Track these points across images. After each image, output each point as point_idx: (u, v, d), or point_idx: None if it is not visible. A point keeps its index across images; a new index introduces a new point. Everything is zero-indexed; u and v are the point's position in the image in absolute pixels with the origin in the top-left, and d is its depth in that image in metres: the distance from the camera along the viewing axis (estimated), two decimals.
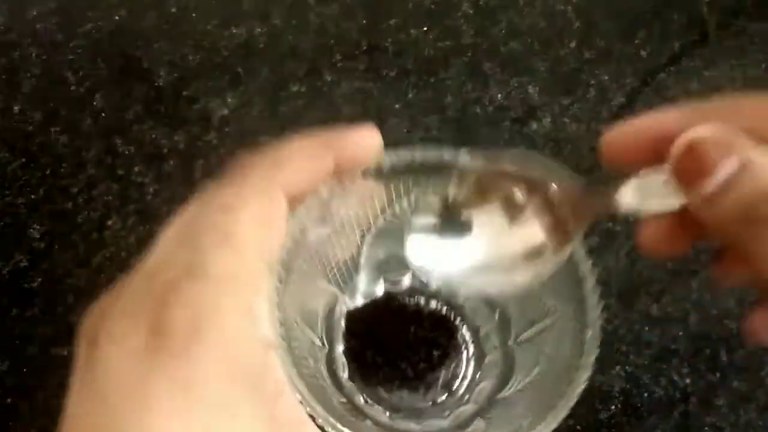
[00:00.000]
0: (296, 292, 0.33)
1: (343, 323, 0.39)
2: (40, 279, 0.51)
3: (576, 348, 0.32)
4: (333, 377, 0.37)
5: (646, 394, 0.48)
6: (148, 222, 0.54)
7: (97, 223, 0.54)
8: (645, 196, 0.28)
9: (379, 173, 0.33)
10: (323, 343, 0.38)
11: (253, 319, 0.22)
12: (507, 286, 0.30)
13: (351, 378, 0.38)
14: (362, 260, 0.39)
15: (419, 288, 0.39)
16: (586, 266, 0.33)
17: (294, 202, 0.27)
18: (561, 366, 0.32)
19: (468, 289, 0.34)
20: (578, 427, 0.47)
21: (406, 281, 0.40)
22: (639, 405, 0.48)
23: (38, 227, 0.53)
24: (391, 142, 0.57)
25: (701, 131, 0.23)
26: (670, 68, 0.61)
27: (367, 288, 0.39)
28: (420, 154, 0.33)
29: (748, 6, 0.64)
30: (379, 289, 0.40)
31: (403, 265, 0.36)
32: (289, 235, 0.30)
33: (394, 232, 0.36)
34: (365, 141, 0.28)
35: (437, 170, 0.33)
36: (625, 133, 0.28)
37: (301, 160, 0.27)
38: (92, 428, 0.22)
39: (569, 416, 0.47)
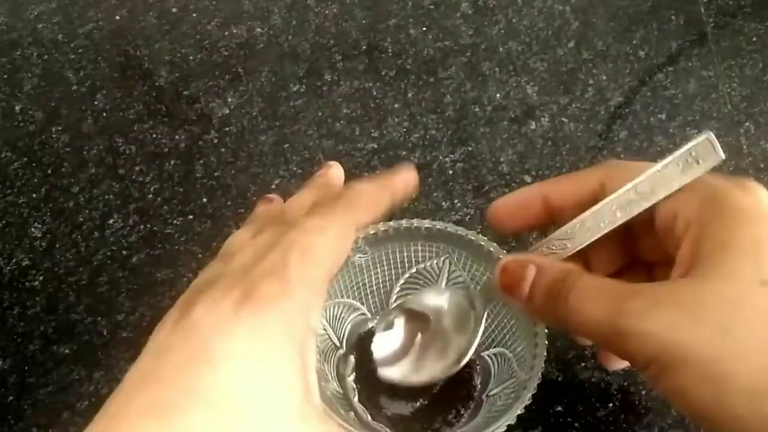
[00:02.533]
0: (331, 298, 0.45)
1: (366, 342, 0.45)
2: (41, 277, 0.52)
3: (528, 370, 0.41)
4: (345, 399, 0.45)
5: (644, 392, 0.48)
6: (149, 221, 0.54)
7: (98, 222, 0.54)
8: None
9: (420, 233, 0.44)
10: (340, 345, 0.46)
11: (308, 313, 0.30)
12: (418, 375, 0.43)
13: (360, 401, 0.45)
14: (393, 296, 0.48)
15: None
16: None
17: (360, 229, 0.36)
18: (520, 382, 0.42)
19: (398, 375, 0.44)
20: (576, 425, 0.47)
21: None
22: (637, 402, 0.48)
23: (40, 226, 0.54)
24: (390, 141, 0.57)
25: (507, 260, 0.36)
26: (668, 68, 0.61)
27: (393, 318, 0.46)
28: (453, 227, 0.44)
29: (746, 6, 0.65)
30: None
31: (425, 306, 0.47)
32: None
33: (422, 281, 0.47)
34: (409, 178, 0.38)
35: (461, 244, 0.44)
36: (507, 204, 0.39)
37: (369, 203, 0.36)
38: (183, 350, 0.28)
39: (567, 414, 0.48)
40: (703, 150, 0.35)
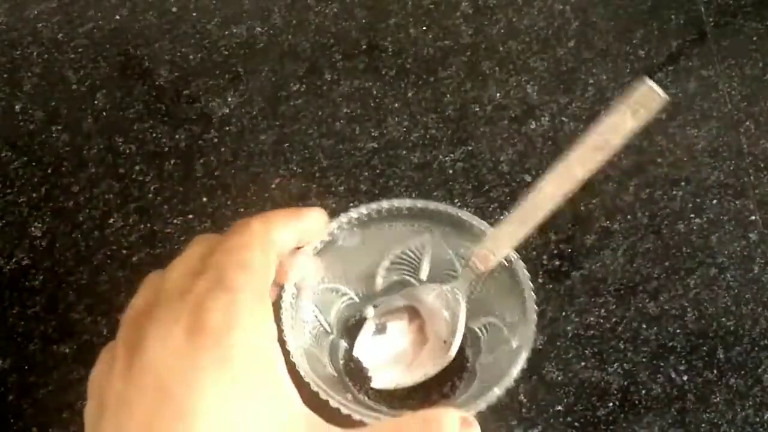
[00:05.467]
0: (318, 283, 0.45)
1: (360, 331, 0.46)
2: (41, 277, 0.52)
3: (515, 351, 0.41)
4: (340, 381, 0.45)
5: (643, 391, 0.48)
6: (149, 220, 0.54)
7: (98, 222, 0.54)
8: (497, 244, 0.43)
9: (402, 213, 0.44)
10: (330, 330, 0.46)
11: (262, 321, 0.30)
12: (412, 377, 0.45)
13: (355, 382, 0.45)
14: (378, 279, 0.48)
15: None
16: (529, 294, 0.42)
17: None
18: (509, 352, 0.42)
19: (393, 382, 0.45)
20: (576, 424, 0.47)
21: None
22: (636, 402, 0.48)
23: (40, 225, 0.54)
24: (390, 140, 0.57)
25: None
26: (668, 67, 0.61)
27: (381, 322, 0.47)
28: (434, 204, 0.44)
29: (746, 6, 0.64)
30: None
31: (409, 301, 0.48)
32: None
33: (406, 261, 0.47)
34: (320, 215, 0.39)
35: (444, 219, 0.45)
36: None
37: (283, 215, 0.36)
38: (145, 404, 0.26)
39: (567, 413, 0.48)
40: (646, 96, 0.38)
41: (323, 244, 0.43)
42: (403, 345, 0.45)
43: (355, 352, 0.45)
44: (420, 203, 0.44)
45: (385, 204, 0.44)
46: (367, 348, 0.45)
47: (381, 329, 0.46)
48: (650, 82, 0.38)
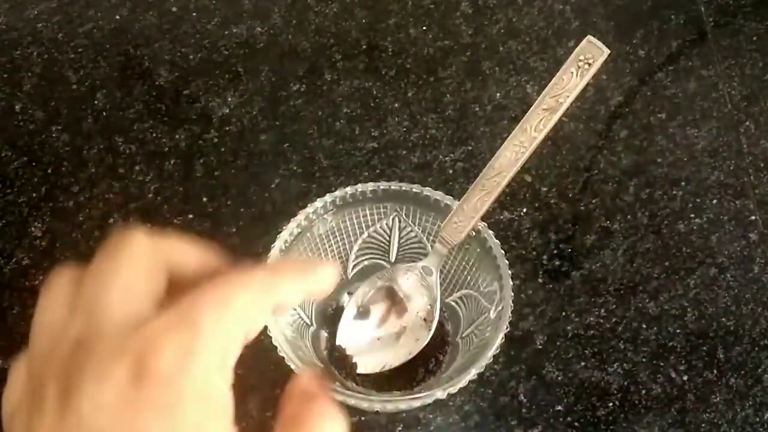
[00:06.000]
0: None
1: (337, 319, 0.47)
2: (41, 277, 0.52)
3: (496, 317, 0.42)
4: (327, 371, 0.45)
5: (643, 391, 0.48)
6: (149, 220, 0.54)
7: (99, 222, 0.54)
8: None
9: (367, 197, 0.45)
10: (310, 322, 0.46)
11: (219, 359, 0.25)
12: (396, 357, 0.45)
13: (341, 370, 0.46)
14: (350, 265, 0.48)
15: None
16: (502, 261, 0.43)
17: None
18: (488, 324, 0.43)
19: (378, 365, 0.46)
20: (576, 424, 0.47)
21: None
22: (636, 402, 0.48)
23: (40, 225, 0.54)
24: (390, 140, 0.57)
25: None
26: (668, 67, 0.61)
27: (355, 288, 0.47)
28: (397, 185, 0.45)
29: (746, 5, 0.64)
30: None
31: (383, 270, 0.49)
32: (296, 222, 0.44)
33: (376, 245, 0.48)
34: (329, 272, 0.30)
35: (408, 199, 0.45)
36: None
37: (289, 283, 0.28)
38: None
39: (567, 413, 0.48)
40: (590, 52, 0.40)
41: (293, 236, 0.44)
42: (385, 327, 0.46)
43: (338, 341, 0.46)
44: (383, 185, 0.45)
45: (348, 190, 0.45)
46: (350, 335, 0.46)
47: (364, 313, 0.46)
48: (592, 39, 0.40)
